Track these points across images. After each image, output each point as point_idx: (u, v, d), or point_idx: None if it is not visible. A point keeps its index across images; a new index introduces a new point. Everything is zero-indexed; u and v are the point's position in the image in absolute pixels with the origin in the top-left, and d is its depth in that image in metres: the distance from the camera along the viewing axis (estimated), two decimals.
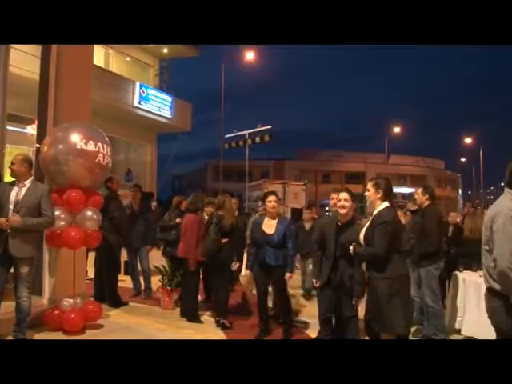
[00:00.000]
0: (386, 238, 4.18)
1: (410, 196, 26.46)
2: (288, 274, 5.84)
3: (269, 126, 22.68)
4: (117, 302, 7.45)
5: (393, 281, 4.19)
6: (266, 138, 22.65)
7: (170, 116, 21.19)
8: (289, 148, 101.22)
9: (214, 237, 6.48)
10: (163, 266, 7.63)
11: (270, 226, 5.94)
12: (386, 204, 4.37)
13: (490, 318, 3.21)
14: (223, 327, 6.39)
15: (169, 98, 21.33)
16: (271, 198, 6.02)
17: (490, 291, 3.16)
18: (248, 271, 6.35)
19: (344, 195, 5.00)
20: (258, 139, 22.81)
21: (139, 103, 19.39)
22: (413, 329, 6.29)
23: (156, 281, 7.97)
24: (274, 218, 5.98)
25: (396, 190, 47.02)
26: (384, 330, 4.28)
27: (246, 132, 23.34)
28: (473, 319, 6.07)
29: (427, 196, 6.20)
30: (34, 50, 7.06)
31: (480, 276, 6.19)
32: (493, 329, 3.17)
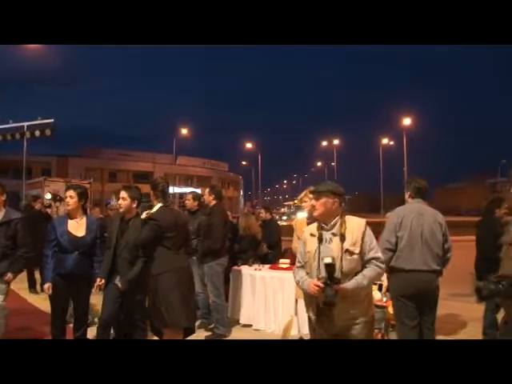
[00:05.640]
0: (150, 231, 4.62)
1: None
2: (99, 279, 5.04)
3: (51, 120, 21.19)
4: None
5: (159, 276, 4.53)
6: (48, 132, 21.12)
7: None
8: (73, 145, 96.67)
9: None
10: None
11: (77, 227, 5.02)
12: (159, 204, 4.85)
13: None
14: None
15: None
16: (69, 193, 5.05)
17: None
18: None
19: (122, 193, 5.09)
20: (37, 133, 21.11)
21: None
22: (197, 323, 6.58)
23: None
24: (75, 217, 5.06)
25: (183, 190, 48.64)
26: (165, 326, 4.53)
27: (25, 124, 21.40)
28: (249, 308, 6.68)
29: (213, 196, 6.51)
30: None
31: (254, 269, 6.82)
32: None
